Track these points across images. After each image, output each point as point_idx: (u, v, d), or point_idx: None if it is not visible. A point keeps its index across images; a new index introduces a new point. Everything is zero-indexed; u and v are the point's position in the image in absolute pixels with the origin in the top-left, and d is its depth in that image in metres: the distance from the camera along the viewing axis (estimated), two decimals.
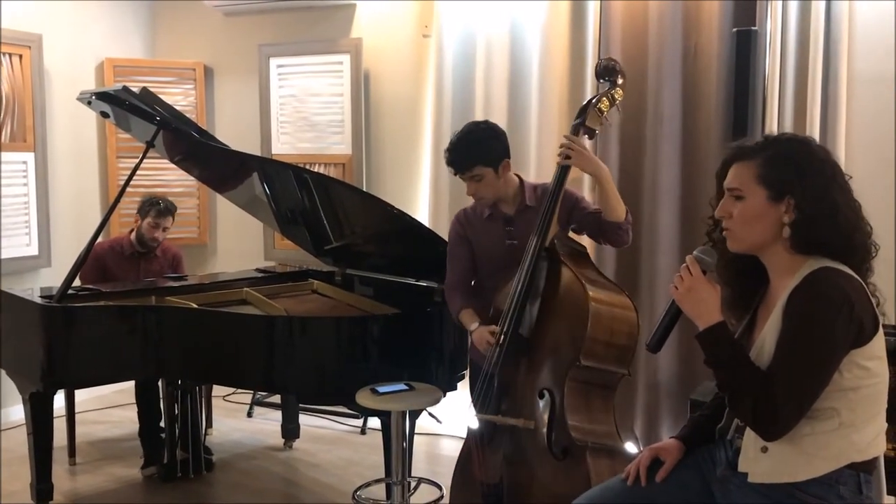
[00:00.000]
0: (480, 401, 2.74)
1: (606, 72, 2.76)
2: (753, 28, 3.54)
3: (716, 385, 1.84)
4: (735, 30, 3.54)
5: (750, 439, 1.74)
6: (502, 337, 2.64)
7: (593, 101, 2.73)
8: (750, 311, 1.88)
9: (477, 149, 2.77)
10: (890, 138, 3.61)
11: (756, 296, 1.87)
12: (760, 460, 1.72)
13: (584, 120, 2.72)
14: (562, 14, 4.25)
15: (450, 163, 2.81)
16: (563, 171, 2.68)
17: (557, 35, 4.27)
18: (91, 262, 3.97)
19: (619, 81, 2.75)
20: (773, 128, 3.69)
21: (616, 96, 2.74)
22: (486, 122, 2.93)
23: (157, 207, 4.05)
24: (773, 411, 1.63)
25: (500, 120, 4.45)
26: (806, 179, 1.70)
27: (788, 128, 3.71)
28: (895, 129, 3.58)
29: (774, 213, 1.73)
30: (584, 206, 2.83)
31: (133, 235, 4.16)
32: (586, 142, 2.76)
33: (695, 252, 1.82)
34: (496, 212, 2.87)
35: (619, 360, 2.59)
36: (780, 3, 3.65)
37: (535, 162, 4.36)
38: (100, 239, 3.71)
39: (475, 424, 2.76)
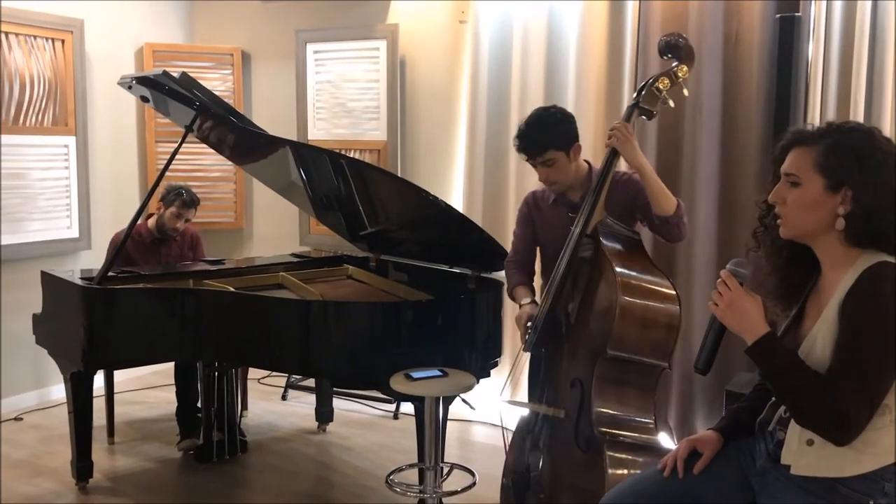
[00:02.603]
0: (530, 387, 2.74)
1: (668, 48, 2.68)
2: (797, 14, 3.47)
3: (775, 397, 1.79)
4: (778, 16, 3.47)
5: (794, 432, 1.71)
6: (538, 320, 2.63)
7: (651, 79, 2.67)
8: (798, 301, 1.84)
9: (548, 133, 2.74)
10: None
11: (806, 286, 1.83)
12: (805, 453, 1.69)
13: (639, 100, 2.67)
14: (600, 5, 4.19)
15: (521, 149, 2.77)
16: (610, 156, 2.64)
17: (595, 20, 4.22)
18: (113, 251, 4.04)
19: (684, 58, 2.66)
20: (815, 117, 3.62)
21: (680, 74, 2.65)
22: (555, 106, 2.90)
23: (182, 199, 4.04)
24: (843, 416, 1.58)
25: (536, 104, 4.40)
26: (866, 171, 1.66)
27: (831, 117, 3.63)
28: None
29: (830, 203, 1.69)
30: (646, 196, 2.72)
31: (151, 222, 4.15)
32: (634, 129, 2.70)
33: (728, 266, 1.79)
34: (561, 197, 2.86)
35: (656, 353, 2.52)
36: None
37: None
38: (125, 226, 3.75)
39: (506, 410, 2.76)
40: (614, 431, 2.50)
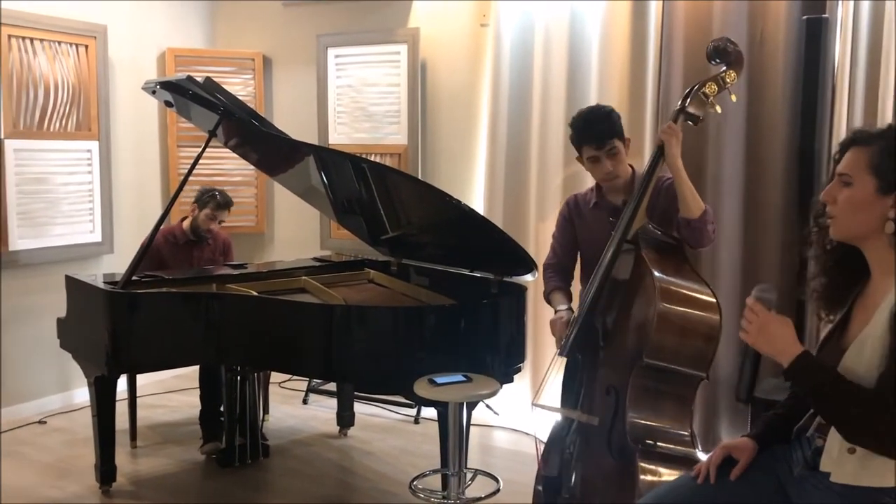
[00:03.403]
0: (564, 392, 2.72)
1: (717, 53, 2.64)
2: (825, 16, 3.42)
3: (819, 415, 1.75)
4: (805, 17, 3.43)
5: (835, 439, 1.67)
6: (575, 325, 2.61)
7: (697, 85, 2.64)
8: (845, 306, 1.80)
9: (610, 121, 2.74)
10: None
11: (853, 290, 1.79)
12: (846, 461, 1.65)
13: (684, 105, 2.64)
14: (622, 7, 4.17)
15: (592, 138, 2.71)
16: (655, 158, 2.60)
17: (618, 20, 4.19)
18: (138, 256, 4.06)
19: (732, 63, 2.63)
20: (842, 119, 3.57)
21: (727, 79, 2.62)
22: (602, 104, 2.89)
23: (216, 200, 4.12)
24: (886, 434, 1.54)
25: (557, 111, 4.42)
26: None
27: (859, 120, 3.58)
28: None
29: (880, 206, 1.66)
30: None
31: (186, 224, 4.21)
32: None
33: (753, 293, 1.76)
34: (603, 201, 2.83)
35: (694, 363, 2.45)
36: None
37: None
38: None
39: (538, 415, 2.73)
40: (648, 441, 2.44)
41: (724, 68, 2.64)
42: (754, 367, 1.79)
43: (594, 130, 2.73)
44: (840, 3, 3.56)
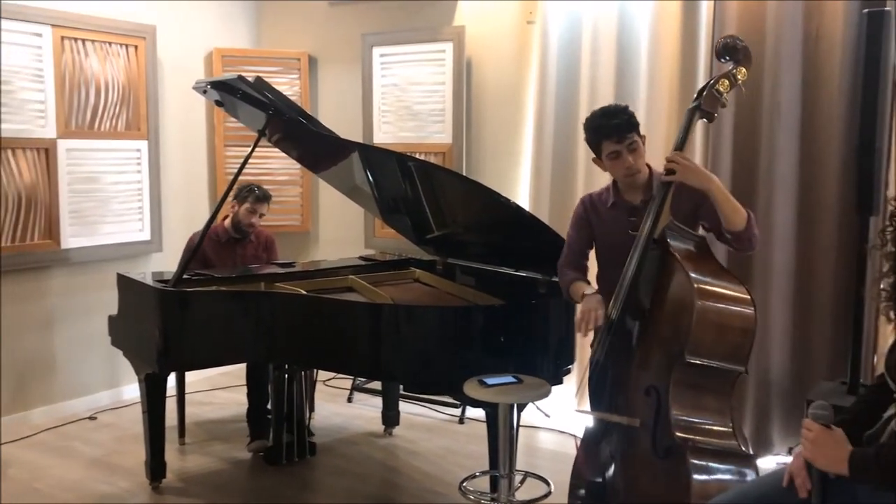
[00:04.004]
0: (593, 396, 2.68)
1: (727, 50, 2.64)
2: (887, 9, 3.32)
3: None
4: (866, 11, 3.33)
5: None
6: (608, 327, 2.57)
7: (711, 81, 2.63)
8: None
9: (628, 115, 2.71)
10: None
11: None
12: None
13: (700, 103, 2.62)
14: (673, 9, 4.10)
15: (613, 131, 2.68)
16: (665, 188, 2.58)
17: (668, 18, 4.13)
18: (189, 254, 4.10)
19: (742, 60, 2.62)
20: None
21: (738, 76, 2.62)
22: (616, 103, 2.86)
23: (255, 194, 4.13)
24: None
25: None
26: None
27: None
28: None
29: None
30: (711, 204, 2.62)
31: (228, 222, 4.23)
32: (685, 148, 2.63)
33: (809, 410, 1.78)
34: (621, 200, 2.79)
35: (733, 358, 2.47)
36: None
37: None
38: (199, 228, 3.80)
39: (582, 421, 2.70)
40: (694, 438, 2.43)
41: (734, 65, 2.63)
42: (822, 482, 1.79)
43: (613, 124, 2.70)
44: None
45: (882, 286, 1.83)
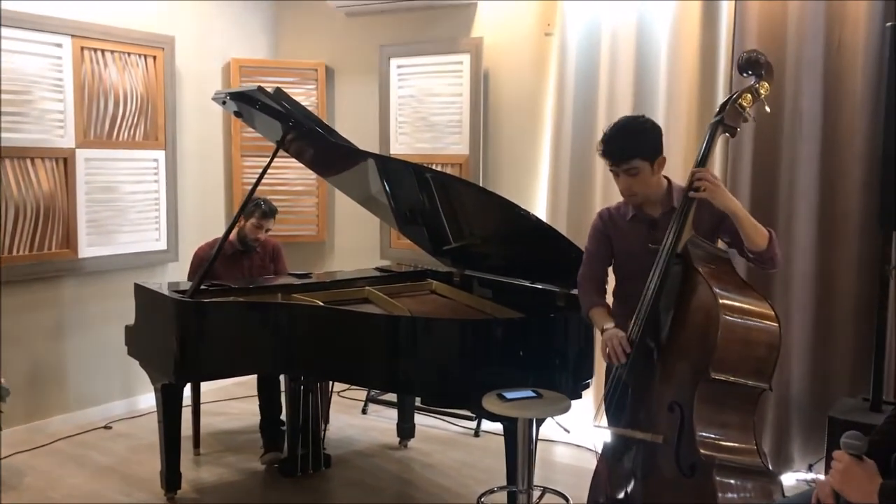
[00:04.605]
0: (612, 411, 2.65)
1: (749, 65, 2.61)
2: None
3: None
4: (890, 24, 3.30)
5: None
6: (630, 344, 2.55)
7: (734, 96, 2.61)
8: None
9: (635, 140, 2.66)
10: None
11: None
12: None
13: (722, 117, 2.59)
14: (693, 7, 4.09)
15: (606, 153, 2.69)
16: (689, 203, 2.55)
17: (687, 29, 4.11)
18: (197, 265, 4.11)
19: (764, 75, 2.60)
20: None
21: (761, 91, 2.59)
22: (644, 116, 2.82)
23: (262, 209, 4.11)
24: None
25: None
26: None
27: None
28: None
29: None
30: (731, 222, 2.59)
31: (233, 235, 4.18)
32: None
33: (841, 440, 1.75)
34: (640, 213, 2.76)
35: (757, 374, 2.44)
36: None
37: None
38: (203, 242, 3.84)
39: (601, 435, 2.67)
40: (719, 455, 2.40)
41: (757, 80, 2.61)
42: None
43: (610, 148, 2.68)
44: None
45: None
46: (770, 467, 2.50)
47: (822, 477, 1.85)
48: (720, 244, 2.74)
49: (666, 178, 2.76)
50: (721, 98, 4.00)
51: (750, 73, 2.63)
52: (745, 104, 2.58)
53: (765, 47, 3.84)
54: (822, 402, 3.75)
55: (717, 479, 2.34)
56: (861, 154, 3.68)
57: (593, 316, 2.80)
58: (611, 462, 2.69)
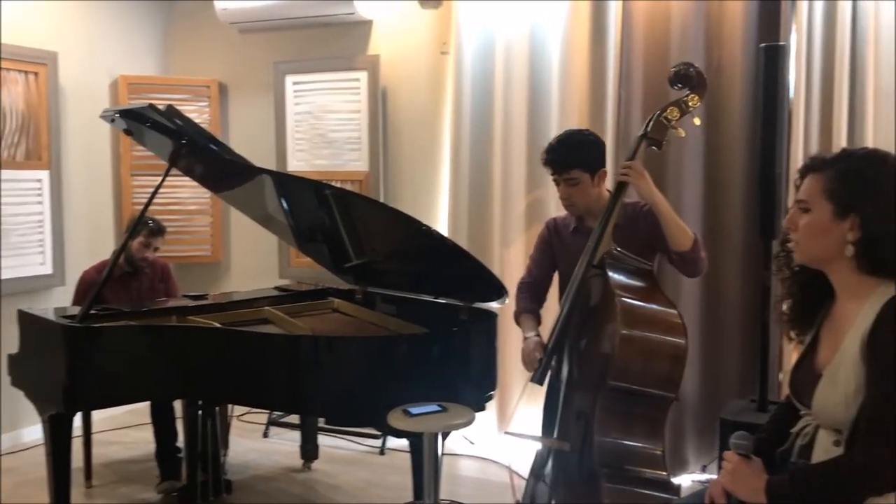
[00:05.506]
0: (544, 420, 2.70)
1: (678, 78, 2.67)
2: (782, 43, 3.51)
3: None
4: (763, 45, 3.51)
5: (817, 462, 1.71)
6: (546, 354, 2.60)
7: (659, 110, 2.67)
8: (813, 327, 1.84)
9: (578, 151, 2.74)
10: None
11: (820, 311, 1.84)
12: None
13: (647, 131, 2.66)
14: (582, 21, 4.21)
15: (549, 162, 2.76)
16: (618, 189, 2.63)
17: (578, 49, 4.23)
18: (83, 290, 3.95)
19: (695, 87, 2.65)
20: (798, 146, 3.66)
21: (690, 104, 2.65)
22: (588, 130, 2.92)
23: (149, 227, 3.97)
24: (886, 470, 1.59)
25: (519, 134, 4.44)
26: (874, 198, 1.66)
27: (815, 146, 3.68)
28: None
29: (839, 230, 1.69)
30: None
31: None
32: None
33: (730, 441, 1.82)
34: (582, 226, 2.83)
35: (662, 384, 2.47)
36: (806, 17, 3.63)
37: None
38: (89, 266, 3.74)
39: (511, 444, 2.71)
40: (617, 465, 2.45)
41: (688, 92, 2.67)
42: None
43: (552, 157, 2.78)
44: (793, 30, 3.67)
45: (781, 309, 1.91)
46: (671, 478, 2.53)
47: (715, 477, 1.92)
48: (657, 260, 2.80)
49: (609, 191, 2.83)
50: (610, 111, 4.15)
51: (681, 85, 2.68)
52: (671, 117, 2.64)
53: (651, 64, 4.03)
54: (713, 405, 3.92)
55: (608, 486, 2.38)
56: (742, 170, 3.88)
57: (521, 322, 2.88)
58: (532, 470, 2.74)
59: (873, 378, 1.62)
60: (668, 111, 2.65)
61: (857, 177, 1.69)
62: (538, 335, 2.77)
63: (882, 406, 1.60)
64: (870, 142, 3.61)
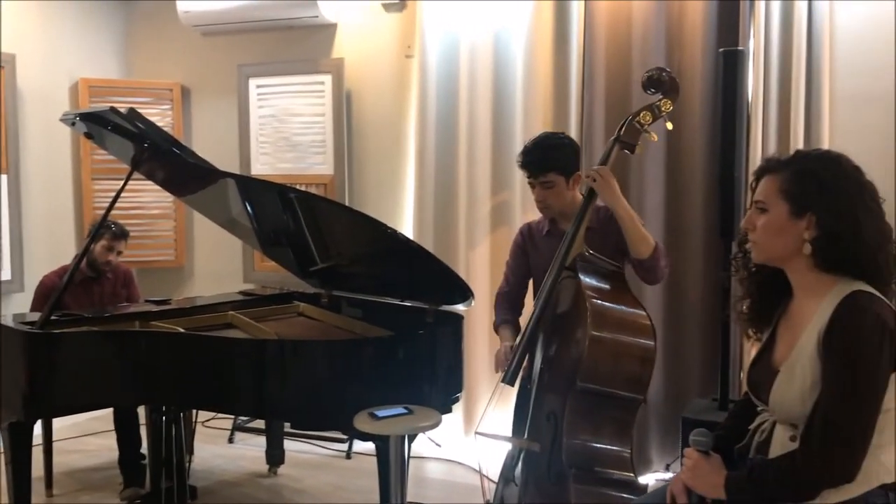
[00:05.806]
0: (515, 420, 2.72)
1: (651, 83, 2.70)
2: (740, 49, 3.58)
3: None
4: (722, 50, 3.57)
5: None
6: (515, 355, 2.61)
7: (632, 114, 2.69)
8: (770, 325, 1.89)
9: (554, 154, 2.76)
10: (871, 157, 3.63)
11: (778, 309, 1.88)
12: None
13: (620, 135, 2.68)
14: (545, 24, 4.23)
15: (524, 165, 2.78)
16: (590, 193, 2.66)
17: (541, 55, 4.25)
18: (43, 295, 3.89)
19: (668, 92, 2.68)
20: (756, 149, 3.72)
21: (663, 108, 2.67)
22: (563, 133, 2.95)
23: (112, 231, 3.93)
24: (840, 464, 1.64)
25: (484, 137, 4.46)
26: (829, 196, 1.71)
27: (773, 148, 3.74)
28: (878, 147, 3.62)
29: (795, 229, 1.74)
30: None
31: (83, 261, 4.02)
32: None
33: (690, 438, 1.87)
34: (555, 230, 2.85)
35: (631, 386, 2.51)
36: (763, 19, 3.70)
37: (520, 181, 4.34)
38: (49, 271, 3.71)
39: (480, 444, 2.72)
40: (585, 465, 2.48)
41: (661, 97, 2.70)
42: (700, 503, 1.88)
43: (528, 159, 2.80)
44: (752, 35, 3.73)
45: (739, 308, 1.95)
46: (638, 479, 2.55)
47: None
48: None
49: (583, 194, 2.85)
50: (574, 114, 4.18)
51: (653, 90, 2.71)
52: (643, 121, 2.67)
53: (612, 69, 4.07)
54: (676, 404, 3.97)
55: (576, 486, 2.40)
56: (702, 173, 3.93)
57: (500, 333, 2.89)
58: (502, 471, 2.75)
59: (829, 373, 1.67)
60: (642, 115, 2.68)
61: (811, 177, 1.74)
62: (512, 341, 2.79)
63: (837, 401, 1.64)
64: (826, 143, 3.70)
